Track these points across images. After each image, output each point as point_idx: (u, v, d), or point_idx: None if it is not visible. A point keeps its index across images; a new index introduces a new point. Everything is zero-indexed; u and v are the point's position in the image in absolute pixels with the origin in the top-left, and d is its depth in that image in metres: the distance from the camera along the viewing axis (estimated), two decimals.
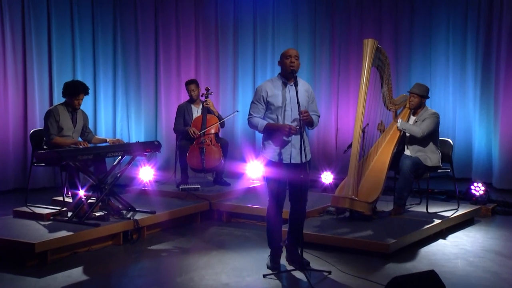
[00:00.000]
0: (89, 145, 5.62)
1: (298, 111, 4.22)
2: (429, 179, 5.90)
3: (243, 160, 7.88)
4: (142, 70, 8.42)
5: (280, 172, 4.37)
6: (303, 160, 4.24)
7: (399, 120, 5.77)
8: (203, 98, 6.95)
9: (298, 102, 4.22)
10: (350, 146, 5.68)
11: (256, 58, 8.71)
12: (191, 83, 7.02)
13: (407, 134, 5.84)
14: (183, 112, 6.97)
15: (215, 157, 6.64)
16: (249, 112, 4.47)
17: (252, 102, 4.46)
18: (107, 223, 5.19)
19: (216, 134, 6.86)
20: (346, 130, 8.31)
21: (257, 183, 7.11)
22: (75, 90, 5.60)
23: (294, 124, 4.30)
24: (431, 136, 5.78)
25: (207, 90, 7.02)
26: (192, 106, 7.04)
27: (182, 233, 5.70)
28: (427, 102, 6.15)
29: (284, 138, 4.33)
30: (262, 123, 4.38)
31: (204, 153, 6.59)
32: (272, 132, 4.37)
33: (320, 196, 6.61)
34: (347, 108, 8.39)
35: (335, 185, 6.99)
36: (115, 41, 8.29)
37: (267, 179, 4.46)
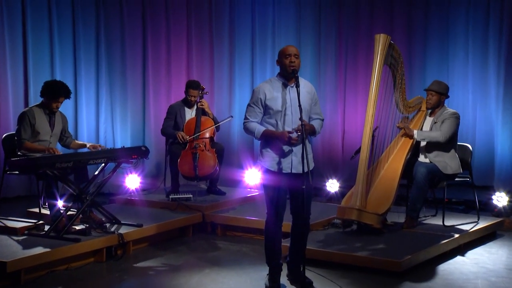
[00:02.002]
0: (61, 152, 5.57)
1: (300, 115, 4.20)
2: (446, 187, 5.88)
3: (240, 166, 7.87)
4: (128, 67, 8.40)
5: (280, 181, 4.37)
6: (305, 170, 4.22)
7: (415, 132, 5.77)
8: (197, 99, 6.95)
9: (299, 105, 4.21)
10: (358, 151, 5.68)
11: (254, 54, 8.69)
12: (194, 88, 6.93)
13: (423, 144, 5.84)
14: (174, 114, 6.96)
15: (210, 164, 6.62)
16: (245, 116, 4.45)
17: (249, 105, 4.45)
18: (89, 238, 5.17)
19: (211, 138, 6.85)
20: (354, 133, 8.29)
21: (256, 192, 7.11)
22: (55, 93, 5.59)
23: (295, 134, 4.26)
24: (451, 140, 5.77)
25: (202, 89, 7.01)
26: (186, 108, 7.03)
27: (172, 249, 5.68)
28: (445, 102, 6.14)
29: (284, 146, 4.32)
30: (259, 129, 4.37)
31: (197, 159, 6.58)
32: (270, 139, 4.37)
33: (325, 206, 6.61)
34: (355, 109, 8.37)
35: (341, 194, 6.99)
36: (98, 34, 8.26)
37: (265, 188, 4.46)
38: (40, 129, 5.63)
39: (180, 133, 6.76)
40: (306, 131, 4.23)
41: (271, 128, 4.37)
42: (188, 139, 6.69)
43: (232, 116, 7.25)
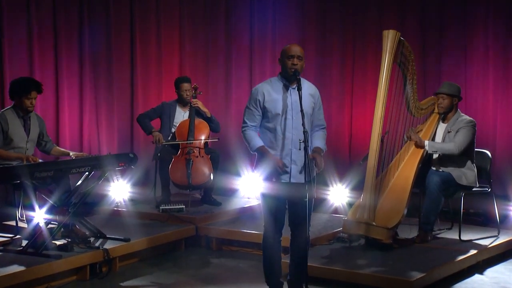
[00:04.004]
0: (40, 159, 5.56)
1: (302, 120, 4.22)
2: (463, 197, 5.84)
3: (237, 174, 7.85)
4: (115, 64, 8.40)
5: (278, 191, 4.40)
6: (307, 179, 4.24)
7: (426, 143, 5.77)
8: (190, 99, 6.98)
9: (302, 110, 4.23)
10: (366, 157, 5.68)
11: (253, 49, 8.67)
12: (185, 82, 7.00)
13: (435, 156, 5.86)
14: (162, 111, 7.01)
15: (204, 172, 6.64)
16: (244, 120, 4.49)
17: (247, 107, 4.49)
18: (71, 254, 5.17)
19: (206, 143, 6.87)
20: (362, 136, 8.25)
21: (254, 202, 7.10)
22: (25, 87, 5.59)
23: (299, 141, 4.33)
24: (467, 150, 5.79)
25: (195, 89, 7.04)
26: (178, 107, 7.05)
27: (162, 265, 5.68)
28: (460, 105, 6.13)
29: (283, 154, 4.35)
30: (255, 143, 4.41)
31: (191, 166, 6.59)
32: (269, 145, 4.40)
33: (330, 218, 6.61)
34: (364, 109, 8.33)
35: (348, 204, 6.96)
36: (81, 26, 8.25)
37: (262, 197, 4.50)
38: (14, 135, 5.62)
39: (158, 134, 6.79)
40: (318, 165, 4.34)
41: (269, 134, 4.42)
42: (164, 143, 6.75)
43: (218, 138, 7.16)
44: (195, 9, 8.72)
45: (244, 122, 4.47)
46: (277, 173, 4.36)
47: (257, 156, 4.48)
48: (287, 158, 4.38)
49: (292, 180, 4.38)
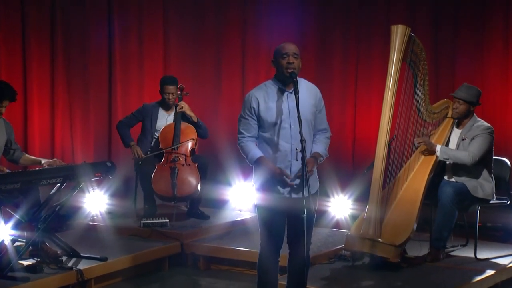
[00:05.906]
0: (7, 170, 5.49)
1: (299, 128, 4.17)
2: (479, 209, 5.84)
3: (228, 183, 7.83)
4: (91, 61, 8.43)
5: (276, 204, 4.38)
6: (306, 194, 4.19)
7: (438, 147, 5.74)
8: (176, 101, 6.98)
9: (299, 117, 4.19)
10: (371, 166, 5.66)
11: (245, 44, 8.70)
12: (170, 83, 6.98)
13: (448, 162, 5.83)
14: (143, 116, 7.00)
15: (191, 182, 6.64)
16: (239, 131, 4.46)
17: (241, 116, 4.46)
18: (40, 276, 5.13)
19: (193, 150, 6.85)
20: (367, 141, 8.27)
21: (247, 215, 7.10)
22: None
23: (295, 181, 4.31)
24: (484, 159, 5.76)
25: (181, 90, 7.04)
26: (161, 109, 7.04)
27: (144, 287, 5.67)
28: (477, 108, 6.08)
29: (283, 165, 4.34)
30: (254, 154, 4.37)
31: (176, 175, 6.57)
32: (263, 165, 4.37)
33: (331, 233, 6.60)
34: (368, 111, 8.37)
35: (351, 217, 6.95)
36: (53, 17, 8.22)
37: (258, 211, 4.48)
38: None
39: (137, 148, 6.81)
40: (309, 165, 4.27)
41: (266, 144, 4.40)
42: (143, 157, 6.75)
43: (193, 139, 7.12)
44: (181, 2, 8.69)
45: (240, 133, 4.44)
46: (277, 186, 4.34)
47: (254, 168, 4.45)
48: (287, 170, 4.36)
49: (293, 195, 4.36)
